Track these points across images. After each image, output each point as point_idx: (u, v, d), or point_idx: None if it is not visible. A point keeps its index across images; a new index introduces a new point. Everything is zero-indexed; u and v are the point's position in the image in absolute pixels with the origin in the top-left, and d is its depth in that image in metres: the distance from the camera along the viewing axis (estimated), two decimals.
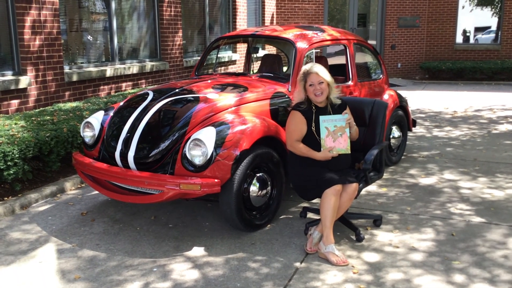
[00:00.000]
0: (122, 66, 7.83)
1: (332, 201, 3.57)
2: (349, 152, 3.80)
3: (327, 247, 3.58)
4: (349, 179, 3.70)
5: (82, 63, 7.28)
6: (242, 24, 11.64)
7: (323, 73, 3.80)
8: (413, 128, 6.47)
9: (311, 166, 3.79)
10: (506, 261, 3.57)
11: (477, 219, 4.32)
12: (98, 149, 4.37)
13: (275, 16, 13.75)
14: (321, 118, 3.76)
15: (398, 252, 3.72)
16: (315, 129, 3.81)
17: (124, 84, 7.86)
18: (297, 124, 3.84)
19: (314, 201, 4.67)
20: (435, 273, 3.41)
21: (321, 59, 5.77)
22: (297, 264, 3.55)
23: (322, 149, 3.78)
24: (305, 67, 3.89)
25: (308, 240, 3.76)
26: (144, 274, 3.43)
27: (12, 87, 5.83)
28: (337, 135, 3.75)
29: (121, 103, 4.62)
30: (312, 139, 3.82)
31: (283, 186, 4.29)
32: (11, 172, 4.57)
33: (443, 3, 14.73)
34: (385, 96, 5.96)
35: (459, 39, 15.13)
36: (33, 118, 5.34)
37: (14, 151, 4.55)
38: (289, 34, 5.19)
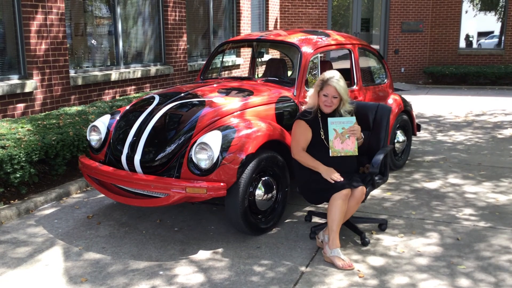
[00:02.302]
0: (127, 70, 7.87)
1: (340, 205, 3.58)
2: (356, 153, 3.85)
3: (333, 251, 3.58)
4: (356, 183, 3.71)
5: (87, 67, 7.31)
6: (246, 28, 11.68)
7: (341, 89, 3.78)
8: (417, 133, 6.48)
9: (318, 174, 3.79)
10: None
11: (482, 224, 4.32)
12: (104, 152, 4.39)
13: (278, 20, 13.78)
14: (329, 120, 3.79)
15: (403, 257, 3.72)
16: (324, 136, 3.83)
17: (128, 88, 7.89)
18: (302, 133, 3.87)
19: (319, 205, 4.69)
20: (440, 278, 3.41)
21: (325, 63, 5.78)
22: (303, 268, 3.55)
23: (330, 150, 3.80)
24: (325, 75, 3.84)
25: (324, 247, 3.73)
26: (150, 277, 3.44)
27: (18, 91, 5.87)
28: (344, 137, 3.79)
29: (127, 107, 4.65)
30: (322, 146, 3.84)
31: (288, 190, 4.30)
32: (17, 175, 4.59)
33: (446, 8, 14.75)
34: (390, 101, 5.97)
35: (462, 43, 15.14)
36: (39, 122, 5.36)
37: (21, 154, 4.57)
38: (294, 38, 5.21)
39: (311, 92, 3.94)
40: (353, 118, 3.83)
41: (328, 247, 3.62)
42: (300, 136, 3.89)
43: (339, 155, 3.81)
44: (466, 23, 15.00)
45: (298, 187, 4.00)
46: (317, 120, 3.88)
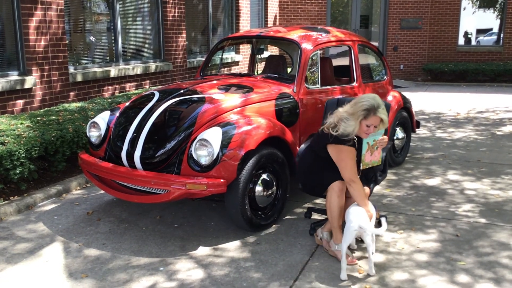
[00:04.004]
0: (126, 66, 7.86)
1: (334, 199, 3.55)
2: (381, 163, 3.84)
3: (338, 245, 3.60)
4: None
5: (86, 63, 7.30)
6: (245, 25, 11.67)
7: (386, 119, 3.54)
8: (416, 130, 6.48)
9: (323, 169, 3.74)
10: (511, 261, 3.58)
11: (481, 220, 4.33)
12: (104, 149, 4.39)
13: (277, 17, 13.77)
14: None
15: (403, 253, 3.73)
16: (357, 159, 3.67)
17: (128, 85, 7.89)
18: (354, 160, 3.58)
19: (318, 201, 4.71)
20: (440, 274, 3.42)
21: (325, 60, 5.78)
22: (303, 264, 3.56)
23: (361, 164, 3.71)
24: (373, 104, 3.48)
25: (323, 244, 3.77)
26: (150, 273, 3.45)
27: (18, 87, 5.86)
28: (374, 149, 3.75)
29: (127, 103, 4.65)
30: None
31: (288, 186, 4.30)
32: (17, 171, 4.59)
33: (445, 5, 14.74)
34: (389, 98, 5.97)
35: (461, 41, 15.15)
36: (39, 118, 5.36)
37: (20, 150, 4.57)
38: (294, 35, 5.21)
39: (344, 116, 3.54)
40: (382, 130, 3.73)
41: (333, 242, 3.64)
42: (354, 163, 3.57)
43: (367, 167, 3.77)
44: (465, 20, 15.00)
45: (301, 183, 3.98)
46: (355, 146, 3.62)
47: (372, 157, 3.77)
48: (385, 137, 3.76)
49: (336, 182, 3.59)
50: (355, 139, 3.57)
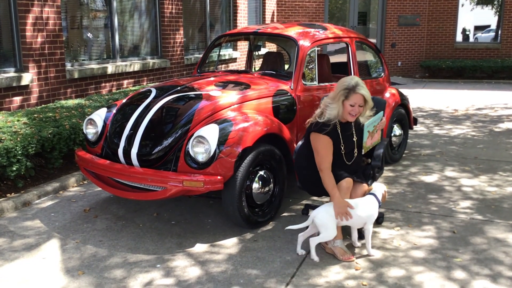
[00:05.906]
0: (123, 63, 7.84)
1: (343, 197, 3.58)
2: (381, 140, 4.00)
3: (335, 241, 3.61)
4: (360, 180, 3.74)
5: (83, 60, 7.28)
6: (243, 22, 11.65)
7: (368, 96, 3.58)
8: (414, 126, 6.49)
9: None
10: (507, 258, 3.59)
11: (478, 217, 4.34)
12: (101, 146, 4.39)
13: (275, 14, 13.75)
14: (365, 126, 3.73)
15: (400, 249, 3.74)
16: (344, 151, 3.69)
17: (125, 82, 7.87)
18: (328, 150, 3.59)
19: (315, 198, 4.71)
20: (436, 270, 3.42)
21: (322, 57, 5.77)
22: (300, 261, 3.56)
23: (363, 150, 3.82)
24: (350, 83, 3.56)
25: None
26: (147, 270, 3.45)
27: (14, 84, 5.84)
28: (374, 133, 3.86)
29: (124, 100, 4.63)
30: (340, 157, 3.71)
31: (285, 184, 4.30)
32: (14, 168, 4.58)
33: (443, 1, 14.74)
34: (387, 94, 5.97)
35: (459, 37, 15.15)
36: (36, 115, 5.34)
37: (17, 147, 4.56)
38: (292, 32, 5.20)
39: (328, 101, 3.65)
40: (381, 113, 3.82)
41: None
42: (326, 152, 3.59)
43: (369, 149, 3.90)
44: (463, 17, 15.00)
45: (299, 181, 3.97)
46: (337, 132, 3.65)
47: (373, 140, 3.90)
48: (384, 119, 3.88)
49: (344, 180, 3.60)
50: (338, 126, 3.64)
